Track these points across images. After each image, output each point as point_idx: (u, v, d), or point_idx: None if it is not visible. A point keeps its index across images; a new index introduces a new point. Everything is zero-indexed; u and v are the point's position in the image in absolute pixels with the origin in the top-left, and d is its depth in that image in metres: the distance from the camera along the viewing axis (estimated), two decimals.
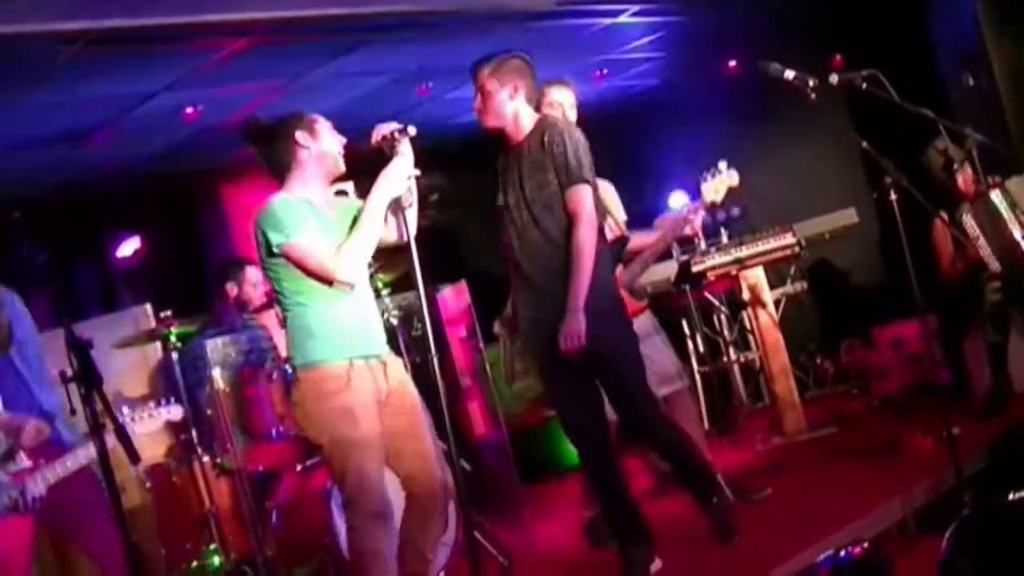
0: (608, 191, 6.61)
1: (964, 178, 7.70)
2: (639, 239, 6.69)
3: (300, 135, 4.99)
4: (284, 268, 4.89)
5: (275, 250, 4.83)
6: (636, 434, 6.00)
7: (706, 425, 9.46)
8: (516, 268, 5.65)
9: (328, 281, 4.85)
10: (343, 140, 5.12)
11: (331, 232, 4.91)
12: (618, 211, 6.72)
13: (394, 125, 4.95)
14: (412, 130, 4.94)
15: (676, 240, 7.03)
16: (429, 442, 5.12)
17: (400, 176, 4.92)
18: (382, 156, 4.97)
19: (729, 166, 6.60)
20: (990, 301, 7.81)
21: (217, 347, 6.97)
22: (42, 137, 7.49)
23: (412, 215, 5.05)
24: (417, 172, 5.00)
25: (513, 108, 5.59)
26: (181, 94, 7.38)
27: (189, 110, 7.68)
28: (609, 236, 6.20)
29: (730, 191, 6.65)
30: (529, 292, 5.64)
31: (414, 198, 5.02)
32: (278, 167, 5.05)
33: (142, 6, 5.86)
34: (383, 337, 5.12)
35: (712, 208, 6.86)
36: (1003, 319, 7.88)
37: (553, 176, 5.48)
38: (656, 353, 6.61)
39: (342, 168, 5.11)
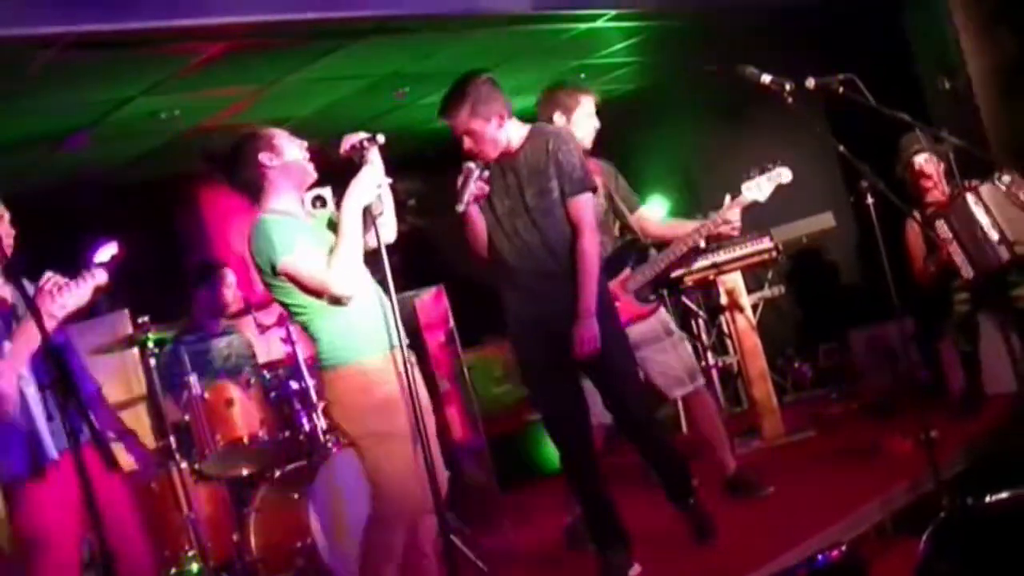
0: (615, 175, 6.79)
1: (923, 172, 7.70)
2: (667, 229, 6.78)
3: (263, 156, 4.98)
4: (288, 285, 4.89)
5: (273, 272, 4.83)
6: (626, 430, 5.99)
7: (684, 429, 9.48)
8: (504, 270, 5.68)
9: (324, 295, 4.84)
10: (304, 144, 5.11)
11: (318, 241, 4.91)
12: (629, 198, 6.80)
13: (363, 134, 4.93)
14: (381, 138, 4.92)
15: (707, 240, 7.00)
16: (434, 439, 5.02)
17: (369, 185, 4.87)
18: (352, 165, 4.93)
19: (781, 163, 6.58)
20: (958, 312, 7.84)
21: (195, 353, 6.96)
22: (18, 141, 7.47)
23: (386, 222, 5.04)
24: (388, 180, 4.99)
25: (505, 135, 5.58)
26: (157, 99, 7.36)
27: (165, 115, 7.66)
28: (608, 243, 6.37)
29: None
30: (520, 292, 5.67)
31: (384, 206, 4.99)
32: (250, 190, 5.04)
33: (118, 10, 5.84)
34: (390, 329, 5.01)
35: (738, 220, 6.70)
36: (971, 328, 7.91)
37: (555, 184, 5.54)
38: (662, 355, 6.64)
39: (313, 174, 5.10)
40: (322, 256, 4.83)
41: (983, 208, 7.43)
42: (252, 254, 4.91)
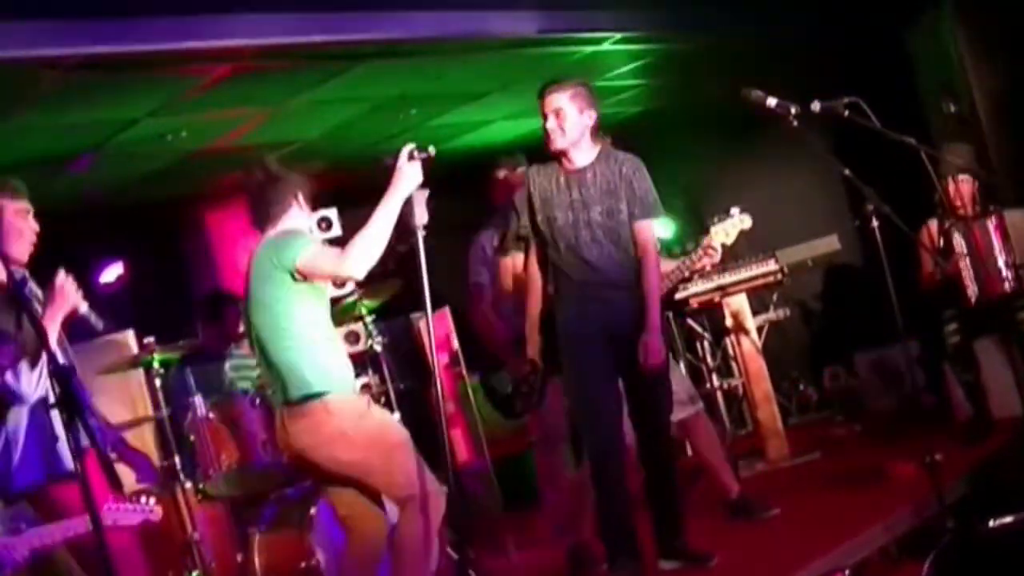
0: None
1: (958, 190, 7.69)
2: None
3: (299, 198, 5.15)
4: (296, 301, 5.01)
5: (295, 276, 4.94)
6: (650, 451, 6.05)
7: (688, 452, 9.47)
8: (563, 279, 5.92)
9: (339, 277, 5.09)
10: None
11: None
12: None
13: (410, 145, 5.01)
14: (432, 150, 5.01)
15: (680, 280, 7.05)
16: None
17: (414, 178, 4.94)
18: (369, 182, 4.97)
19: (742, 211, 6.65)
20: (951, 344, 7.85)
21: (200, 373, 6.96)
22: (24, 161, 7.48)
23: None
24: (425, 191, 5.02)
25: (584, 133, 5.89)
26: (164, 120, 7.38)
27: (171, 137, 7.68)
28: None
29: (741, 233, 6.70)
30: (581, 297, 5.87)
31: (426, 217, 5.03)
32: (266, 216, 5.18)
33: (125, 32, 5.87)
34: None
35: (719, 251, 6.85)
36: (968, 358, 7.91)
37: (625, 206, 5.86)
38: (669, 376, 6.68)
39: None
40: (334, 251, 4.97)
41: (1002, 234, 7.44)
42: (269, 263, 5.00)
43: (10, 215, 4.98)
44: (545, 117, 5.87)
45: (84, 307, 4.94)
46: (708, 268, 7.06)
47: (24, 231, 5.01)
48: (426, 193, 4.98)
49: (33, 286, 5.09)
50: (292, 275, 4.93)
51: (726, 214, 6.69)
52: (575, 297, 5.88)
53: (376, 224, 4.88)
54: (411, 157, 4.95)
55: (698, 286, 8.31)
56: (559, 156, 5.92)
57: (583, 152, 5.92)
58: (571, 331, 5.90)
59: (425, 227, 4.95)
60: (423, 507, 5.02)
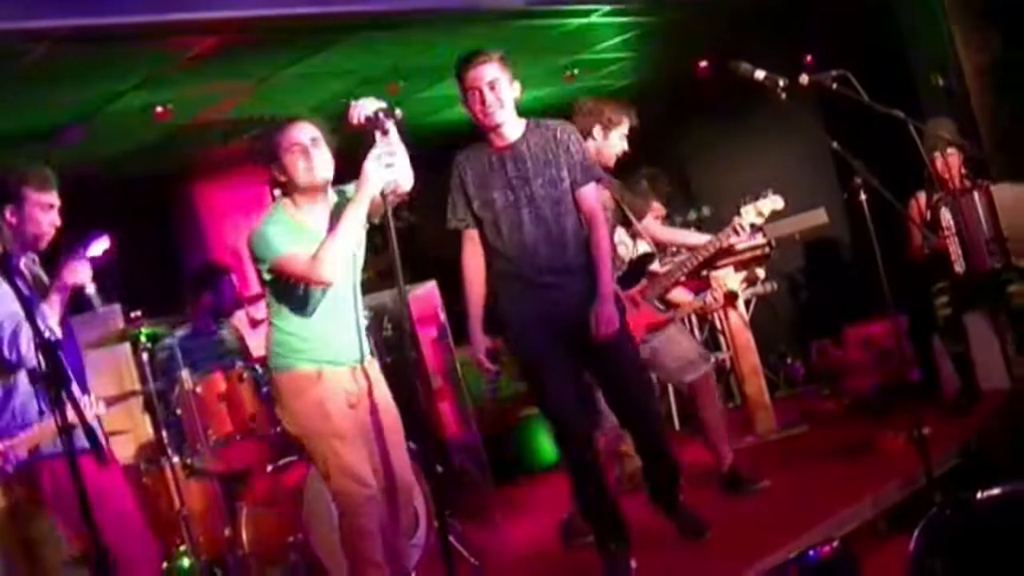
0: (619, 185, 6.87)
1: (946, 163, 7.67)
2: (674, 236, 6.94)
3: (274, 170, 5.07)
4: (272, 284, 5.05)
5: (265, 275, 4.99)
6: (628, 419, 5.97)
7: (676, 426, 9.49)
8: (505, 265, 5.65)
9: (311, 282, 4.93)
10: (325, 152, 5.09)
11: (311, 239, 4.95)
12: (636, 204, 6.96)
13: (377, 103, 4.83)
14: (399, 113, 4.85)
15: (708, 258, 7.11)
16: (395, 442, 5.20)
17: (381, 171, 4.83)
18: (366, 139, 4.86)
19: (774, 192, 6.76)
20: (941, 315, 7.87)
21: (187, 348, 6.95)
22: (10, 136, 7.45)
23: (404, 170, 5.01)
24: (405, 152, 4.95)
25: (513, 103, 5.61)
26: (150, 93, 7.35)
27: (159, 109, 7.65)
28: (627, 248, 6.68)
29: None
30: (524, 286, 5.63)
31: (404, 178, 4.97)
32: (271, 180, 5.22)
33: (111, 5, 5.83)
34: (356, 345, 5.17)
35: (747, 230, 7.01)
36: (957, 330, 7.92)
37: (566, 174, 5.57)
38: (673, 343, 6.80)
39: (322, 179, 5.07)
40: (309, 251, 4.89)
41: (990, 209, 7.43)
42: (250, 251, 5.05)
43: (30, 206, 4.99)
44: (474, 92, 5.54)
45: (91, 288, 4.98)
46: (736, 247, 7.10)
47: (42, 224, 5.02)
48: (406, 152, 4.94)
49: (37, 269, 5.10)
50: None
51: (755, 195, 6.81)
52: (520, 284, 5.64)
53: (344, 227, 4.86)
54: (377, 119, 4.78)
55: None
56: (490, 132, 5.63)
57: (513, 126, 5.62)
58: (516, 321, 5.68)
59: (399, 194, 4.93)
60: (350, 509, 5.03)
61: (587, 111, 6.66)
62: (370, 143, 4.83)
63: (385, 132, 4.84)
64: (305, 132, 5.03)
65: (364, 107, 4.84)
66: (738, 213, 6.82)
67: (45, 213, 5.01)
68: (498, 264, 5.68)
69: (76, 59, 6.43)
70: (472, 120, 5.69)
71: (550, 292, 5.59)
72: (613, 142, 6.66)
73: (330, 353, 5.07)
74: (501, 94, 5.52)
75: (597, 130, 6.61)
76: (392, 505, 5.16)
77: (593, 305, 5.51)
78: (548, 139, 5.60)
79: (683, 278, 6.99)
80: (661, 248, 7.18)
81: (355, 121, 4.84)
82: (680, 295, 7.45)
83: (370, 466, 5.10)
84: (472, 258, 5.74)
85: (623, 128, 6.70)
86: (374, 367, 5.26)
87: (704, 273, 8.47)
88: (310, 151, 4.99)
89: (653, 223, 7.19)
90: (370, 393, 5.15)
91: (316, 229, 5.00)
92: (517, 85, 5.61)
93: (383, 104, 4.84)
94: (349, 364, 5.11)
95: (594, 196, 5.67)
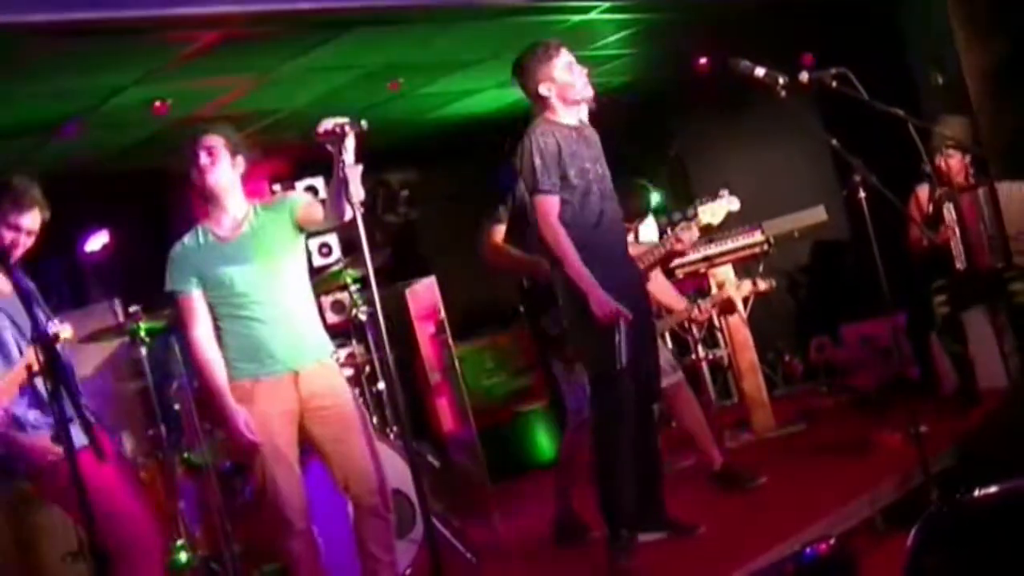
0: None
1: (948, 164, 7.66)
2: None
3: (193, 172, 5.29)
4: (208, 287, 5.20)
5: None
6: (648, 400, 6.01)
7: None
8: (593, 233, 5.74)
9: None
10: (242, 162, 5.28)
11: (228, 259, 5.14)
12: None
13: (343, 119, 4.73)
14: (364, 124, 4.72)
15: (664, 259, 7.10)
16: (358, 446, 5.22)
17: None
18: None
19: (731, 192, 6.76)
20: (939, 314, 7.87)
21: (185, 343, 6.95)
22: (9, 130, 7.44)
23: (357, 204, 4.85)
24: (358, 167, 4.82)
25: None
26: (151, 87, 7.34)
27: (158, 104, 7.64)
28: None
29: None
30: (608, 260, 5.75)
31: (361, 194, 4.84)
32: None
33: None
34: (302, 348, 5.21)
35: (706, 231, 7.04)
36: (956, 329, 7.93)
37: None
38: None
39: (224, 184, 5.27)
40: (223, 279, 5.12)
41: (994, 207, 7.43)
42: None
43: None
44: (572, 66, 5.84)
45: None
46: (679, 255, 7.13)
47: (4, 240, 4.90)
48: (360, 169, 4.80)
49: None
50: None
51: (713, 195, 6.77)
52: (606, 257, 5.73)
53: None
54: (342, 131, 4.68)
55: (684, 256, 8.30)
56: (572, 106, 5.88)
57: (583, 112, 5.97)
58: (602, 283, 5.60)
59: (362, 203, 4.79)
60: (280, 537, 5.16)
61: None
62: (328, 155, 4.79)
63: (341, 150, 4.73)
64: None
65: (328, 122, 4.74)
66: (694, 215, 6.81)
67: (12, 233, 4.91)
68: (579, 235, 5.67)
69: (77, 53, 6.41)
70: (550, 98, 5.86)
71: (619, 265, 5.84)
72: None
73: (265, 363, 5.11)
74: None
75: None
76: (367, 508, 5.21)
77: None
78: (594, 132, 5.97)
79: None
80: None
81: (320, 131, 4.73)
82: (672, 298, 7.45)
83: (338, 474, 5.20)
84: (555, 219, 5.68)
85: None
86: (328, 369, 5.28)
87: (703, 270, 8.50)
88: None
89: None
90: (321, 397, 5.18)
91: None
92: None
93: (347, 119, 4.73)
94: (289, 371, 5.12)
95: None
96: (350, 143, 4.75)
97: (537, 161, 5.65)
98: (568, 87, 5.80)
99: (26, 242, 4.95)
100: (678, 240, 6.77)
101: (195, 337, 5.08)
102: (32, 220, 4.95)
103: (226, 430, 5.08)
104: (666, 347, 7.00)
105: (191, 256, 5.11)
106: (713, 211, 6.76)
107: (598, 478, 5.84)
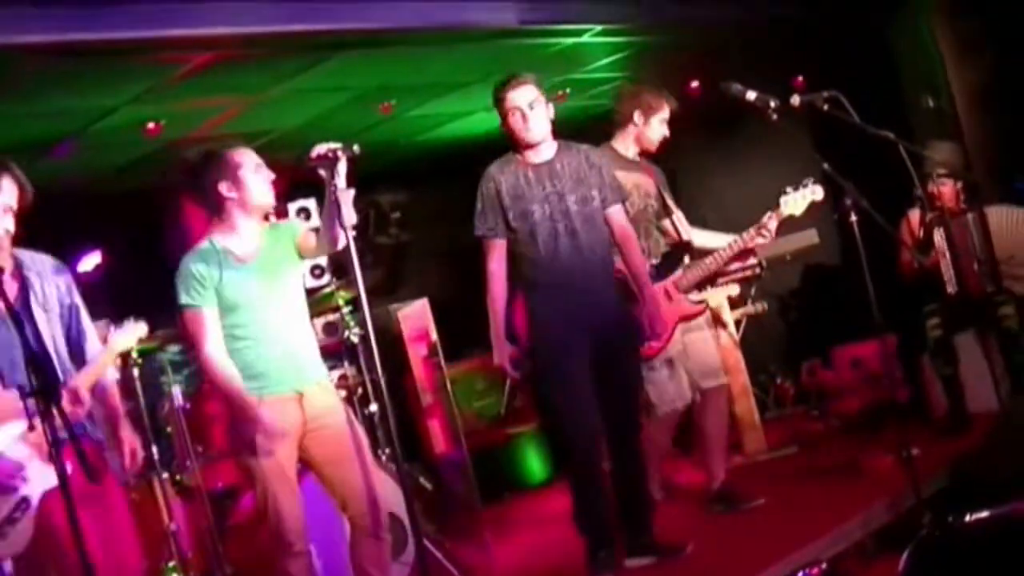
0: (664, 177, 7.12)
1: (939, 191, 7.65)
2: (704, 239, 7.05)
3: (223, 186, 5.09)
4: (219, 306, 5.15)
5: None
6: (623, 440, 6.06)
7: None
8: (540, 272, 5.88)
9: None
10: (271, 176, 5.17)
11: (243, 279, 5.09)
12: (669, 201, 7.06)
13: (335, 144, 4.76)
14: (356, 149, 4.77)
15: (746, 249, 7.09)
16: (356, 467, 5.20)
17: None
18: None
19: (815, 181, 6.70)
20: (931, 337, 7.88)
21: (177, 363, 6.94)
22: (1, 149, 7.44)
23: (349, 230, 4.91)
24: (350, 192, 4.84)
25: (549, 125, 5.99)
26: (143, 108, 7.35)
27: (150, 125, 7.65)
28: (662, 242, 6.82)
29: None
30: (556, 294, 5.85)
31: (354, 217, 4.87)
32: (207, 207, 5.23)
33: (104, 20, 5.83)
34: (304, 369, 5.20)
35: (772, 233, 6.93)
36: (948, 352, 7.93)
37: (597, 193, 5.93)
38: (704, 344, 6.91)
39: (271, 202, 5.21)
40: (236, 297, 5.06)
41: (984, 233, 7.44)
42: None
43: None
44: (514, 112, 5.90)
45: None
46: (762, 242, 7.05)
47: None
48: (352, 193, 4.83)
49: None
50: None
51: (794, 187, 6.74)
52: (551, 291, 5.86)
53: None
54: (335, 156, 4.72)
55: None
56: (526, 150, 5.95)
57: (549, 144, 5.98)
58: (552, 327, 5.85)
59: (355, 227, 4.83)
60: (287, 547, 5.09)
61: (628, 96, 6.88)
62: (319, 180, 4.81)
63: (333, 174, 4.76)
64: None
65: (321, 147, 4.78)
66: (776, 205, 6.76)
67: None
68: (530, 272, 5.91)
69: (69, 73, 6.42)
70: (509, 137, 6.01)
71: (579, 299, 5.83)
72: (653, 127, 6.88)
73: (272, 383, 5.09)
74: (540, 114, 5.90)
75: (637, 115, 6.82)
76: (365, 529, 5.19)
77: (644, 308, 6.04)
78: (580, 160, 5.98)
79: (711, 273, 7.03)
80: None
81: (312, 156, 4.76)
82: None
83: (336, 494, 5.19)
84: (499, 266, 5.95)
85: (663, 113, 6.90)
86: (327, 391, 5.29)
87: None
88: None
89: (683, 220, 7.15)
90: (323, 417, 5.17)
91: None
92: (551, 107, 5.98)
93: (339, 144, 4.77)
94: (294, 391, 5.12)
95: (623, 215, 6.09)
96: (342, 167, 4.78)
97: (477, 206, 5.97)
98: (515, 131, 5.97)
99: (3, 221, 4.67)
100: (759, 232, 6.75)
101: (211, 352, 5.02)
102: (7, 195, 4.69)
103: (250, 431, 4.98)
104: (715, 350, 6.99)
105: (209, 272, 5.07)
106: (796, 200, 6.71)
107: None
